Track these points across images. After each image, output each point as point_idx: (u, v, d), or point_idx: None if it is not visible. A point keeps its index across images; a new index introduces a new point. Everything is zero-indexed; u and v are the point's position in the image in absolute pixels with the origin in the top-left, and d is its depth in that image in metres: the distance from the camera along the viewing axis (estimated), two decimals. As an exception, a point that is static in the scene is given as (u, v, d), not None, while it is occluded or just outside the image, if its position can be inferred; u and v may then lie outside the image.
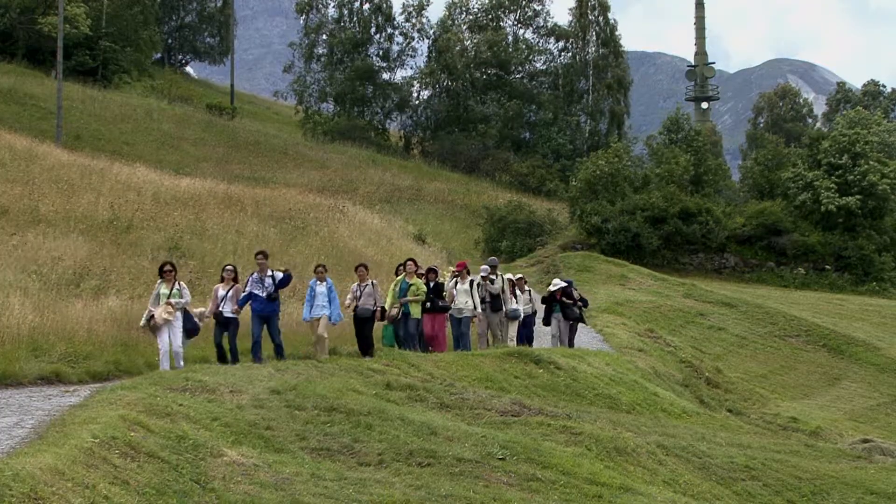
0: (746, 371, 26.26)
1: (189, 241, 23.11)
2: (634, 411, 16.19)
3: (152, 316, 13.68)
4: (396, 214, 41.71)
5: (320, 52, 72.91)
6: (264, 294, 14.80)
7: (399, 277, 17.19)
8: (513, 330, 19.44)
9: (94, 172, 28.64)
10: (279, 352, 14.96)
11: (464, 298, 17.79)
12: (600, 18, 70.93)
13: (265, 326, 14.92)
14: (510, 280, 19.52)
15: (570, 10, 71.88)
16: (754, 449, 14.70)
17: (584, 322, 21.32)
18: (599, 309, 27.98)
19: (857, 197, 41.32)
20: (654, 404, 17.31)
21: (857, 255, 40.37)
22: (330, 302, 15.88)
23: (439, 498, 8.18)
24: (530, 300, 20.25)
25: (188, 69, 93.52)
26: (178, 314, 13.81)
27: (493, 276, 18.93)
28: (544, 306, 20.36)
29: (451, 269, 20.44)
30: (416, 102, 73.24)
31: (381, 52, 73.59)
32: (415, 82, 73.75)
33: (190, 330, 14.10)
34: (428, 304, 16.98)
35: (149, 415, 8.89)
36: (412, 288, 16.70)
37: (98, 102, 50.51)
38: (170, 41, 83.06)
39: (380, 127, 72.72)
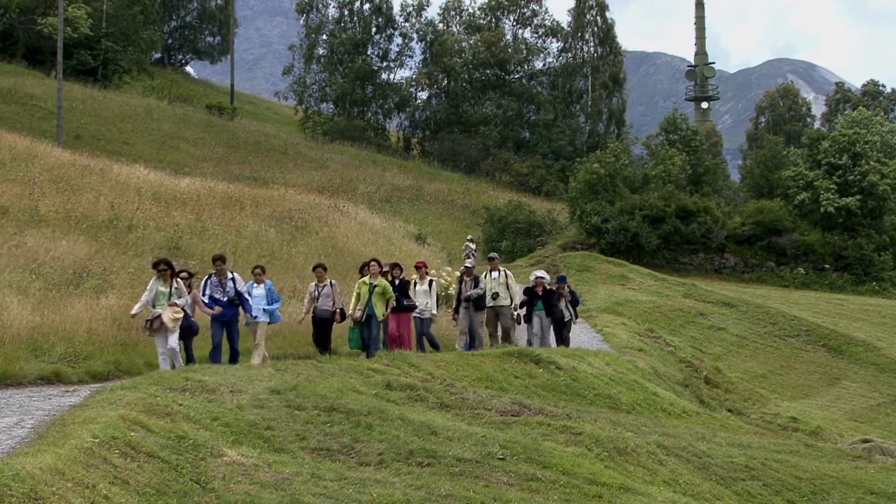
0: (746, 371, 26.26)
1: (189, 241, 23.11)
2: (634, 411, 16.18)
3: (157, 316, 13.36)
4: (396, 214, 41.71)
5: (320, 52, 72.90)
6: (225, 299, 14.44)
7: (363, 279, 16.70)
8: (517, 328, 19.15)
9: (94, 172, 28.63)
10: (234, 358, 14.43)
11: (423, 300, 17.33)
12: (598, 18, 70.97)
13: (224, 331, 14.46)
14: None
15: (569, 10, 72.01)
16: (754, 449, 14.70)
17: (575, 319, 20.37)
18: (599, 309, 27.97)
19: (857, 197, 41.31)
20: (654, 404, 17.30)
21: (856, 254, 40.37)
22: (270, 304, 15.39)
23: (439, 498, 8.18)
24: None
25: (188, 69, 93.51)
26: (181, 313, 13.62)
27: (478, 275, 18.50)
28: (525, 301, 19.43)
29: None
30: (417, 103, 73.24)
31: (380, 53, 73.61)
32: (414, 83, 73.76)
33: (186, 329, 13.78)
34: (392, 303, 16.55)
35: (149, 415, 8.90)
36: (377, 289, 16.22)
37: (98, 102, 50.51)
38: (170, 41, 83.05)
39: (379, 127, 72.73)
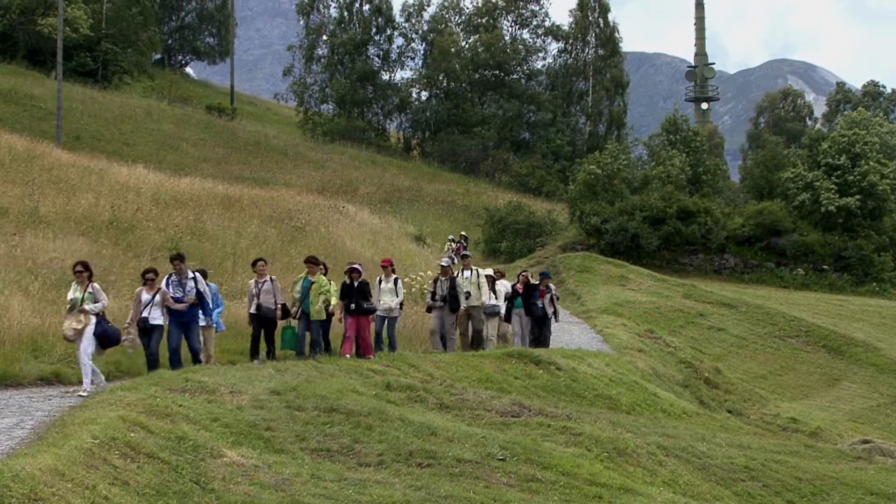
0: (746, 372, 26.24)
1: (189, 241, 23.11)
2: (634, 412, 16.19)
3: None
4: (396, 215, 41.71)
5: (320, 53, 72.94)
6: (185, 299, 13.56)
7: (301, 275, 16.14)
8: (492, 328, 18.63)
9: (94, 173, 28.64)
10: (196, 359, 13.69)
11: (388, 298, 16.75)
12: (600, 20, 70.93)
13: (184, 334, 13.61)
14: (489, 276, 18.67)
15: (570, 11, 71.98)
16: (754, 450, 14.71)
17: (555, 319, 20.15)
18: (599, 309, 27.97)
19: (857, 197, 41.30)
20: (654, 405, 17.30)
21: (856, 255, 40.34)
22: (215, 308, 14.74)
23: (439, 499, 8.19)
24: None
25: (188, 70, 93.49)
26: (92, 320, 12.26)
27: (455, 273, 18.19)
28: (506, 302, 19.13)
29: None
30: (417, 104, 73.25)
31: (380, 53, 73.64)
32: (414, 84, 73.77)
33: (103, 336, 12.47)
34: (352, 306, 15.96)
35: (149, 415, 8.90)
36: (314, 287, 15.63)
37: (98, 103, 50.49)
38: (170, 42, 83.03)
39: (379, 128, 72.76)
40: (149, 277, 13.47)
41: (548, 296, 19.52)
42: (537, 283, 19.74)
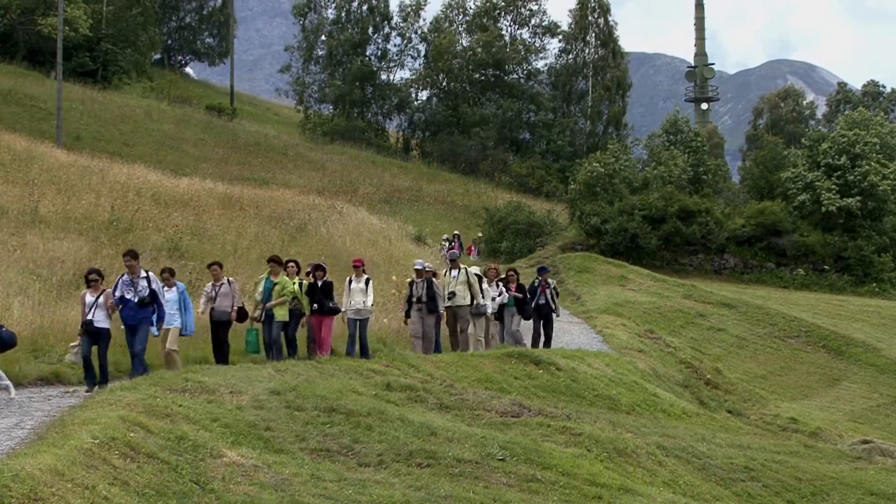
0: (746, 372, 26.25)
1: (189, 241, 23.11)
2: (634, 412, 16.19)
3: None
4: (396, 215, 41.71)
5: (319, 53, 72.93)
6: (136, 299, 12.86)
7: (262, 276, 15.84)
8: (479, 328, 18.27)
9: (94, 173, 28.66)
10: (135, 362, 12.84)
11: (359, 298, 16.26)
12: (600, 20, 70.89)
13: (131, 334, 13.00)
14: (477, 274, 18.14)
15: (570, 11, 71.93)
16: (754, 450, 14.71)
17: (556, 314, 19.89)
18: (599, 310, 27.97)
19: (858, 198, 41.30)
20: (654, 405, 17.30)
21: (856, 255, 40.34)
22: (183, 310, 14.16)
23: (439, 499, 8.19)
24: (502, 293, 18.97)
25: (188, 70, 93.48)
26: None
27: (434, 275, 17.79)
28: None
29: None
30: (416, 104, 73.23)
31: (379, 53, 73.60)
32: (414, 84, 73.74)
33: None
34: (315, 306, 15.70)
35: (148, 416, 8.90)
36: (277, 287, 15.36)
37: (98, 103, 50.49)
38: (169, 42, 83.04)
39: (379, 128, 72.74)
40: (91, 279, 12.82)
41: (548, 290, 19.50)
42: (535, 280, 19.70)
